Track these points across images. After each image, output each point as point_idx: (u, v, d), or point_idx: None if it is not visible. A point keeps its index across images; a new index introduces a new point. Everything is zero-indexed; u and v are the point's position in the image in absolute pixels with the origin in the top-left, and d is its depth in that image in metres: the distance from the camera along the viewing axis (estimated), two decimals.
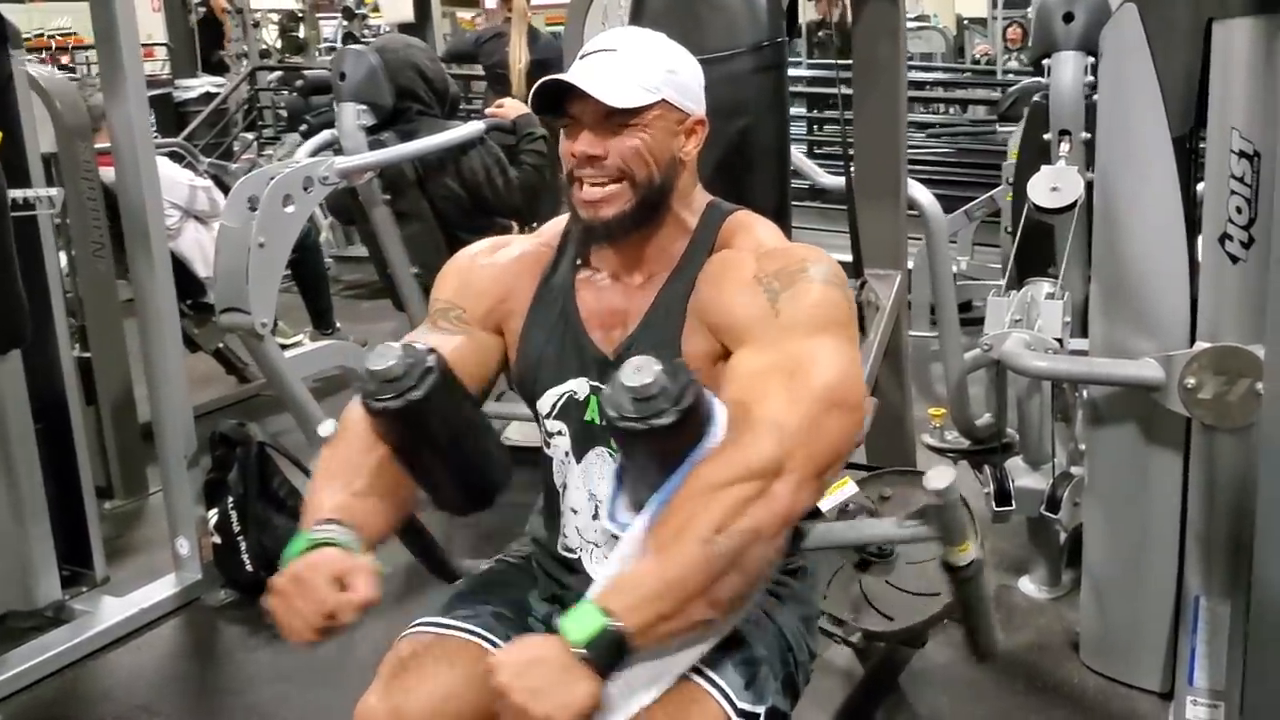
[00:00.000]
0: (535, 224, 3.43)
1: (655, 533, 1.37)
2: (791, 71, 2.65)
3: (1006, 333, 2.69)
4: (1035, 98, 3.62)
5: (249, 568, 3.25)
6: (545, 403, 1.72)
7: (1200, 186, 2.38)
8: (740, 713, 1.53)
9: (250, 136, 8.81)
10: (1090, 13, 3.16)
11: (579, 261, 1.73)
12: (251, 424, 3.41)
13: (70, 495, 3.29)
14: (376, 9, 9.50)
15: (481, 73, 6.65)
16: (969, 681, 2.79)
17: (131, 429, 3.95)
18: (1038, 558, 3.15)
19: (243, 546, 3.25)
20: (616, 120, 1.58)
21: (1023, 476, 3.09)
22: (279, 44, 10.73)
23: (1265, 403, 2.07)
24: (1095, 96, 2.71)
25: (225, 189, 4.39)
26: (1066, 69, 3.20)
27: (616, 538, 1.55)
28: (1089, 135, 3.09)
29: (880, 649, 2.58)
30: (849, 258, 2.89)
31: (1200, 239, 2.34)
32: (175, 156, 5.20)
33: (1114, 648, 2.72)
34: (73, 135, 3.67)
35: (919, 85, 9.44)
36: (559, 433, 1.72)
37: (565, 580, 1.73)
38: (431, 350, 1.53)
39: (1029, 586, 3.15)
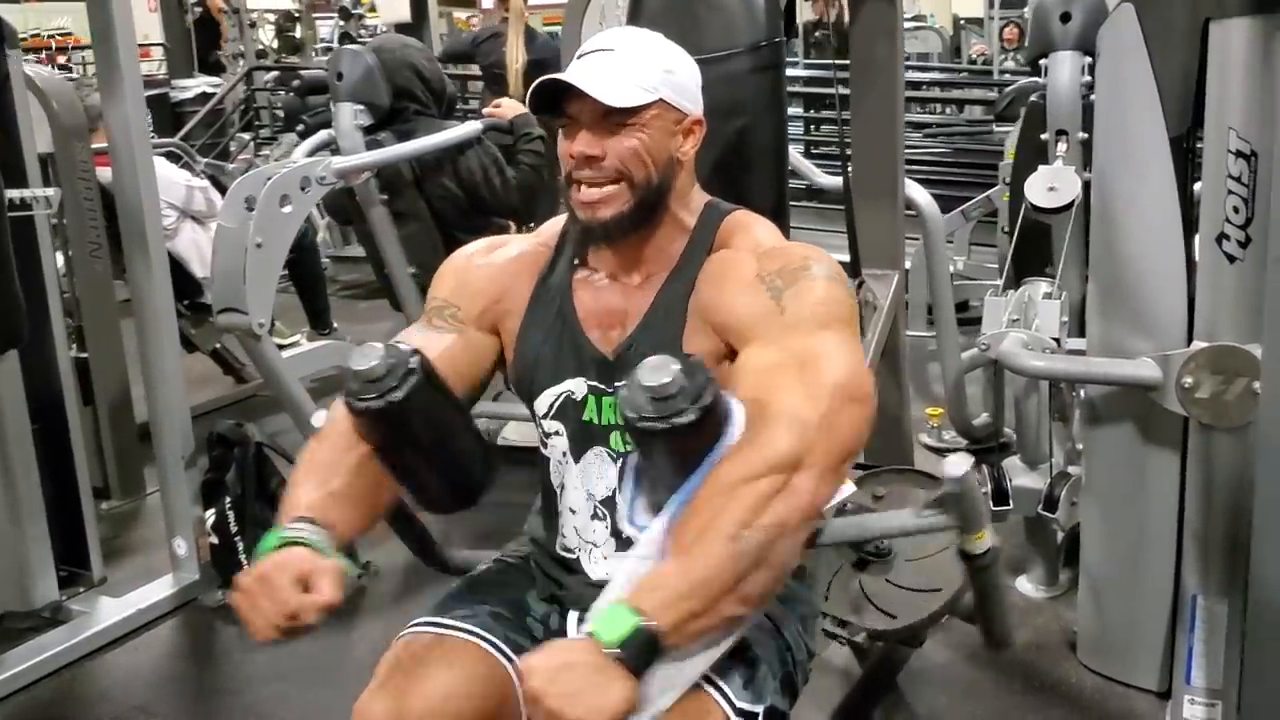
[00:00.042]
0: (532, 224, 3.44)
1: (680, 532, 1.36)
2: (788, 72, 2.66)
3: (1004, 332, 2.69)
4: (1032, 98, 3.63)
5: (246, 568, 3.24)
6: (542, 403, 1.72)
7: (1197, 186, 2.38)
8: (739, 712, 1.53)
9: (247, 137, 8.80)
10: (1087, 13, 3.16)
11: (576, 261, 1.73)
12: (249, 424, 3.40)
13: (67, 496, 3.28)
14: (373, 9, 9.51)
15: (477, 73, 6.65)
16: (966, 681, 2.79)
17: (129, 429, 3.95)
18: (1035, 557, 3.15)
19: (240, 547, 3.24)
20: (614, 120, 1.59)
21: (1020, 476, 3.10)
22: (275, 44, 10.73)
23: (1262, 402, 2.08)
24: (1092, 96, 2.71)
25: (222, 189, 4.39)
26: (1064, 69, 3.20)
27: (630, 540, 1.57)
28: (1086, 135, 3.09)
29: (878, 648, 2.58)
30: (846, 258, 2.89)
31: (1197, 239, 2.34)
32: (172, 157, 5.20)
33: (1111, 647, 2.72)
34: (70, 135, 3.67)
35: (915, 85, 9.45)
36: (556, 433, 1.72)
37: (563, 580, 1.73)
38: (415, 351, 1.53)
39: (1026, 586, 3.16)
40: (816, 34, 10.25)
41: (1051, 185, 3.00)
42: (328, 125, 4.04)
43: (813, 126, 9.44)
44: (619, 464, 1.67)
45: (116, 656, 3.08)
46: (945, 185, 6.53)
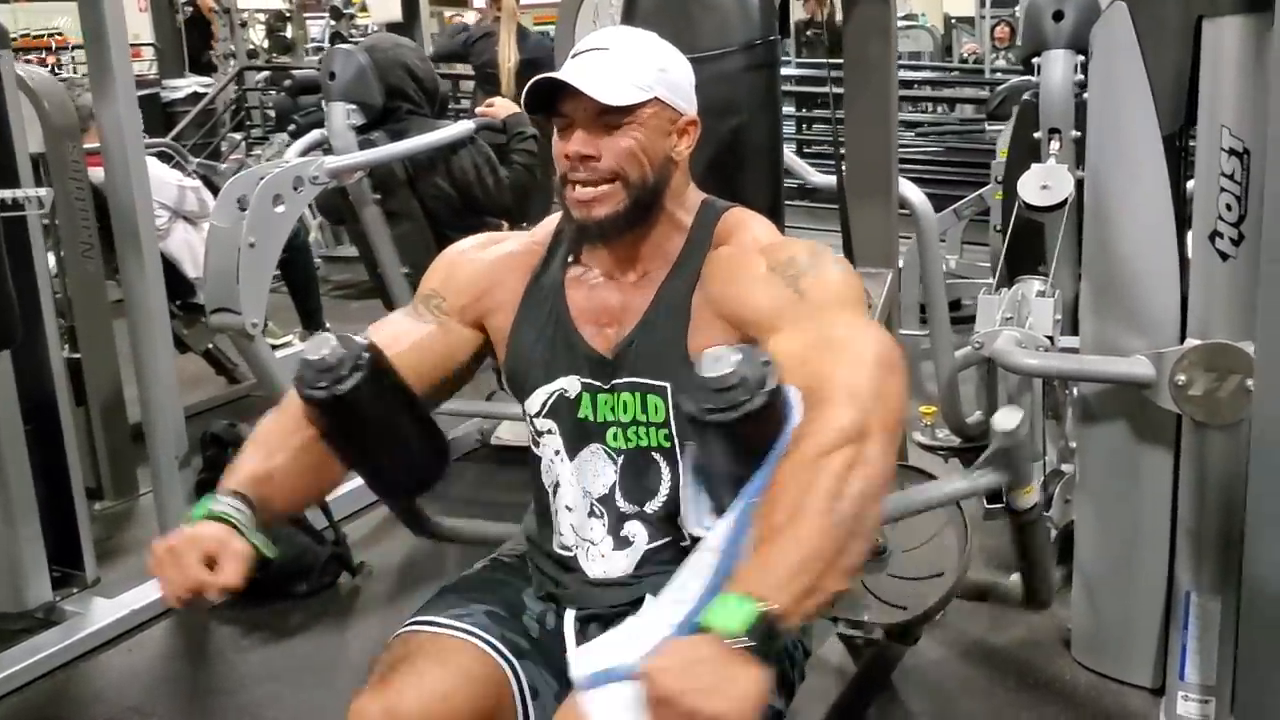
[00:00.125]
0: (526, 224, 3.44)
1: (768, 517, 1.34)
2: (781, 70, 2.65)
3: (997, 330, 2.69)
4: (1025, 96, 3.63)
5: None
6: (535, 401, 1.73)
7: (1190, 184, 2.38)
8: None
9: (238, 137, 8.79)
10: (1080, 11, 3.16)
11: (570, 259, 1.74)
12: (242, 424, 3.40)
13: (60, 496, 3.27)
14: (364, 8, 9.49)
15: (469, 72, 6.64)
16: (961, 678, 2.79)
17: (122, 430, 3.94)
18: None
19: None
20: (609, 119, 1.59)
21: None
22: (266, 44, 10.72)
23: (1255, 399, 2.09)
24: (1085, 95, 2.72)
25: (214, 189, 4.39)
26: (1056, 67, 3.21)
27: (628, 539, 1.60)
28: (1079, 133, 3.10)
29: (872, 647, 2.58)
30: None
31: (1190, 236, 2.35)
32: (164, 157, 5.19)
33: (1105, 644, 2.73)
34: (61, 135, 3.65)
35: (907, 84, 9.46)
36: (549, 431, 1.72)
37: (560, 579, 1.73)
38: (368, 346, 1.59)
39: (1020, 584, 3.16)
40: (808, 33, 10.26)
41: (1044, 183, 3.00)
42: (319, 125, 4.04)
43: (805, 125, 9.45)
44: (618, 461, 1.67)
45: (110, 657, 3.07)
46: (937, 184, 6.55)
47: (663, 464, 1.67)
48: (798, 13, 10.35)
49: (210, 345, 4.94)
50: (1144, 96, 2.36)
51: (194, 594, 1.48)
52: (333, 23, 9.44)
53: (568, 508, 1.71)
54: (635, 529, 1.68)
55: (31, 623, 3.14)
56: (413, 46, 4.13)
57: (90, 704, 2.89)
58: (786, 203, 2.40)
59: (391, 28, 7.12)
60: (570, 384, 1.70)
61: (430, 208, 3.81)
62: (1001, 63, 10.36)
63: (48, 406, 3.25)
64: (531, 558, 1.80)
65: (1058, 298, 2.87)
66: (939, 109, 10.36)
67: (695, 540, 1.66)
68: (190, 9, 10.26)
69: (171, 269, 4.26)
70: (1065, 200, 2.97)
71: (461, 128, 3.77)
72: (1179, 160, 2.41)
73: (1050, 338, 2.73)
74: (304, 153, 3.99)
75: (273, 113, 8.22)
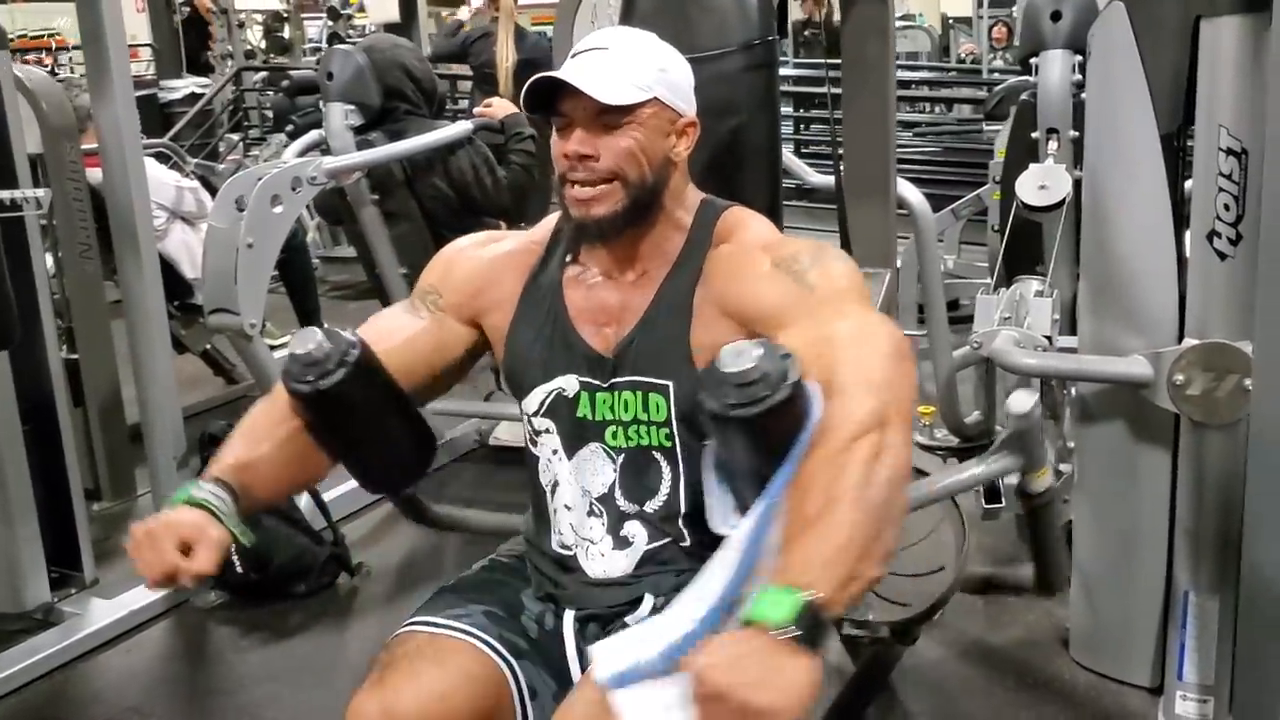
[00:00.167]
0: (523, 224, 3.43)
1: (799, 509, 1.34)
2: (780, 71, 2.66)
3: (995, 330, 2.69)
4: (1023, 96, 3.63)
5: (239, 569, 3.24)
6: (532, 400, 1.73)
7: (1188, 184, 2.38)
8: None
9: (236, 137, 8.79)
10: (1078, 11, 3.17)
11: (569, 259, 1.74)
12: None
13: (58, 497, 3.27)
14: (362, 9, 9.48)
15: (467, 73, 6.64)
16: (959, 678, 2.79)
17: (120, 430, 3.94)
18: (1027, 555, 3.15)
19: (232, 548, 3.22)
20: (609, 119, 1.59)
21: (1012, 474, 3.10)
22: (264, 44, 10.71)
23: (1253, 399, 2.09)
24: (1083, 95, 2.72)
25: (212, 190, 4.38)
26: (1054, 67, 3.21)
27: (627, 538, 1.61)
28: (1077, 133, 3.10)
29: (869, 647, 2.58)
30: None
31: (1188, 236, 2.35)
32: (161, 157, 5.19)
33: (1104, 643, 2.73)
34: (59, 136, 3.65)
35: (905, 84, 9.46)
36: (546, 430, 1.72)
37: (559, 579, 1.73)
38: (355, 342, 1.60)
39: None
40: (806, 33, 10.26)
41: (1042, 183, 3.00)
42: (317, 125, 4.03)
43: (802, 126, 9.45)
44: (617, 460, 1.67)
45: (109, 658, 3.07)
46: (935, 184, 6.54)
47: (663, 463, 1.67)
48: (795, 13, 10.34)
49: (208, 346, 4.93)
50: (1142, 96, 2.37)
51: (168, 578, 1.51)
52: (330, 23, 9.43)
53: (566, 507, 1.71)
54: (635, 529, 1.68)
55: (30, 623, 3.13)
56: (410, 47, 4.13)
57: (89, 704, 2.89)
58: (785, 203, 2.40)
59: (389, 28, 7.11)
60: (568, 383, 1.70)
61: (428, 208, 3.81)
62: (999, 63, 10.35)
63: (46, 407, 3.24)
64: (530, 558, 1.80)
65: (1056, 297, 2.86)
66: (936, 109, 10.36)
67: (695, 540, 1.67)
68: (188, 10, 10.25)
69: (169, 270, 4.26)
70: (1063, 200, 2.97)
71: (459, 128, 3.77)
72: (1177, 160, 2.41)
73: (1048, 337, 2.73)
74: (302, 153, 3.98)
75: (270, 113, 8.21)
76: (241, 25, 10.30)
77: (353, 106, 3.73)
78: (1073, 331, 2.80)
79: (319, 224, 6.71)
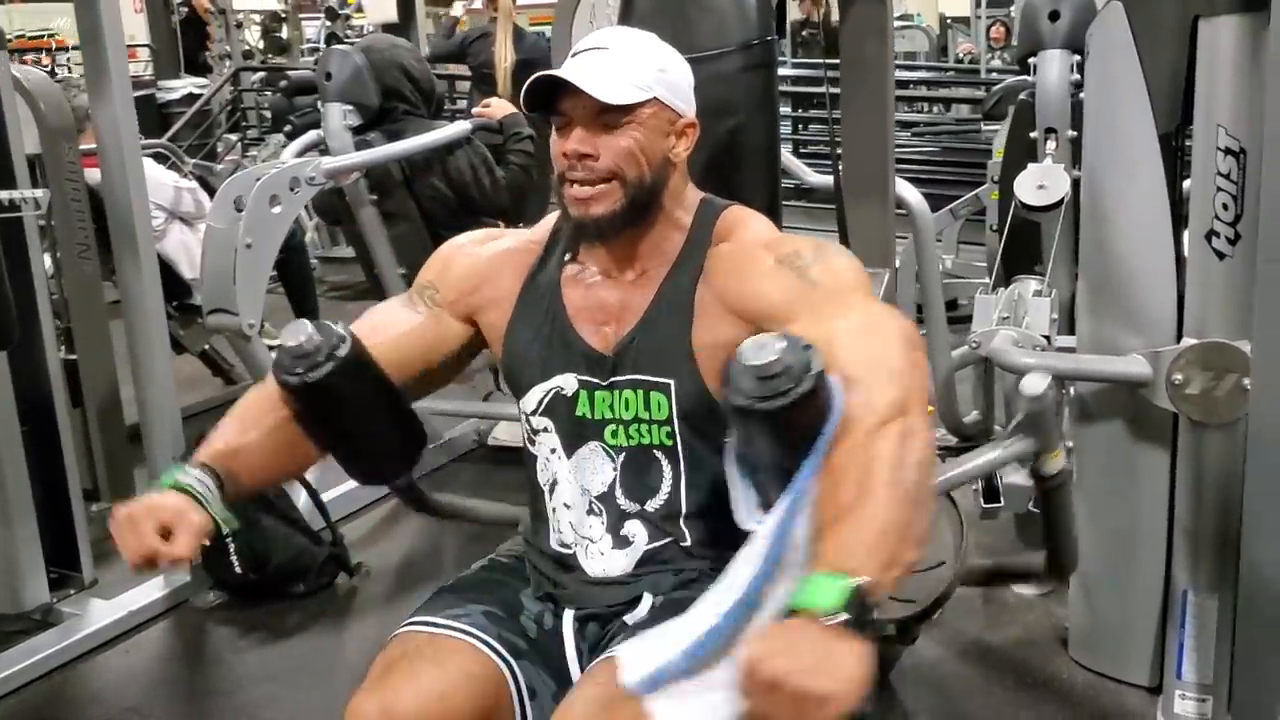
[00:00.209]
0: (522, 224, 3.43)
1: (836, 496, 1.34)
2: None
3: (994, 330, 2.69)
4: (1021, 96, 3.63)
5: (237, 569, 3.24)
6: (531, 399, 1.73)
7: (1187, 183, 2.39)
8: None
9: (234, 137, 8.78)
10: (1076, 11, 3.17)
11: (568, 258, 1.74)
12: None
13: (57, 498, 3.27)
14: (359, 9, 9.48)
15: (465, 73, 6.64)
16: (958, 678, 2.80)
17: (118, 431, 3.93)
18: (1025, 554, 3.15)
19: (231, 548, 3.23)
20: (608, 118, 1.59)
21: (1010, 473, 3.08)
22: (261, 45, 10.70)
23: (1252, 398, 2.09)
24: (1081, 94, 2.72)
25: (210, 190, 4.38)
26: (1053, 67, 3.21)
27: (627, 537, 1.62)
28: (1075, 133, 3.10)
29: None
30: None
31: (1187, 235, 2.35)
32: (159, 158, 5.18)
33: (1102, 643, 2.73)
34: (57, 136, 3.64)
35: (903, 84, 9.46)
36: (544, 429, 1.73)
37: (558, 579, 1.73)
38: (345, 336, 1.61)
39: (1025, 590, 3.15)
40: (804, 33, 10.26)
41: (1041, 183, 3.01)
42: (315, 126, 4.03)
43: (800, 126, 9.45)
44: (616, 459, 1.67)
45: (108, 659, 3.07)
46: (933, 184, 6.54)
47: (664, 462, 1.67)
48: (793, 13, 10.34)
49: (207, 346, 4.93)
50: (1140, 96, 2.37)
51: (148, 561, 1.54)
52: (328, 23, 9.44)
53: (566, 505, 1.71)
54: (635, 528, 1.68)
55: (29, 624, 3.13)
56: (409, 47, 4.13)
57: (87, 705, 2.89)
58: (784, 203, 2.40)
59: (387, 28, 7.11)
60: (566, 382, 1.70)
61: (427, 208, 3.81)
62: (997, 63, 10.36)
63: (44, 408, 3.24)
64: (529, 558, 1.80)
65: (1054, 297, 2.86)
66: (934, 109, 10.36)
67: (696, 540, 1.67)
68: (185, 10, 10.24)
69: (168, 270, 4.25)
70: (1062, 200, 2.98)
71: (458, 128, 3.77)
72: (1175, 160, 2.41)
73: (1047, 337, 2.73)
74: (300, 154, 3.98)
75: (268, 113, 8.21)
76: (239, 25, 10.30)
77: (351, 107, 3.73)
78: (1071, 331, 2.80)
79: (317, 224, 6.71)
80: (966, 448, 3.95)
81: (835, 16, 3.08)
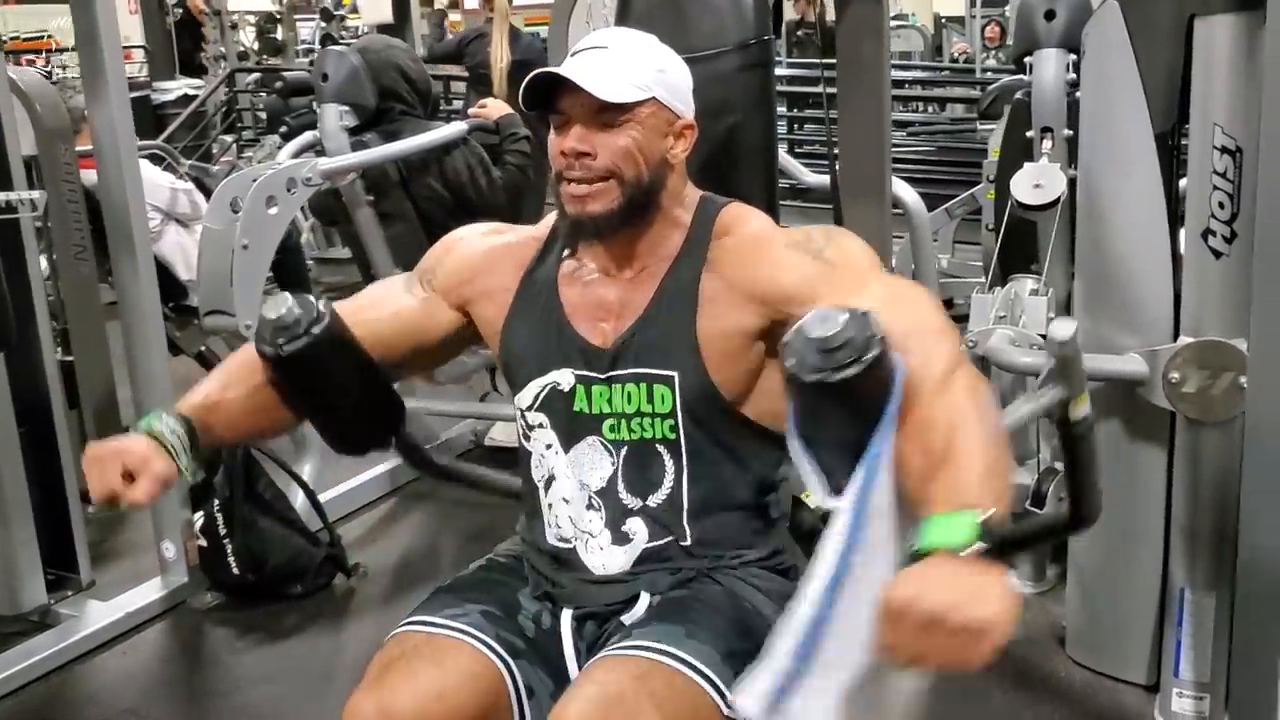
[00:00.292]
0: (519, 224, 3.43)
1: (928, 446, 1.36)
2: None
3: (991, 329, 2.70)
4: (1017, 95, 3.63)
5: (235, 570, 3.24)
6: (527, 395, 1.73)
7: (1183, 182, 2.39)
8: (732, 705, 1.54)
9: (229, 139, 8.78)
10: (1072, 10, 3.17)
11: (566, 254, 1.74)
12: None
13: (54, 499, 3.27)
14: (354, 10, 9.49)
15: (460, 74, 6.64)
16: (955, 677, 2.79)
17: (115, 432, 3.84)
18: (1023, 553, 3.16)
19: (229, 549, 3.24)
20: (607, 117, 1.59)
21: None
22: (256, 46, 10.70)
23: (1249, 397, 2.10)
24: (1077, 94, 2.72)
25: (206, 191, 4.37)
26: (1049, 66, 3.21)
27: (627, 534, 1.63)
28: (1071, 132, 3.10)
29: None
30: None
31: (1183, 234, 2.35)
32: (155, 159, 5.18)
33: (1100, 641, 2.73)
34: (53, 138, 3.64)
35: (898, 84, 9.47)
36: (540, 425, 1.72)
37: (556, 578, 1.72)
38: (323, 312, 1.67)
39: (1014, 581, 3.15)
40: (799, 33, 10.27)
41: (1037, 182, 3.01)
42: (311, 127, 4.03)
43: (796, 125, 9.46)
44: (615, 454, 1.67)
45: (105, 660, 3.06)
46: (929, 183, 6.55)
47: (666, 456, 1.67)
48: (788, 13, 10.35)
49: (203, 347, 4.91)
50: (1136, 95, 2.37)
51: (109, 500, 1.61)
52: (323, 24, 9.45)
53: (565, 500, 1.71)
54: (636, 525, 1.67)
55: (26, 625, 3.14)
56: (405, 48, 4.13)
57: (85, 706, 2.89)
58: (780, 203, 2.41)
59: (382, 29, 7.13)
60: (563, 377, 1.70)
61: (423, 209, 3.81)
62: (992, 62, 10.39)
63: (41, 409, 3.24)
64: (527, 557, 1.80)
65: (1051, 296, 2.88)
66: (930, 109, 10.37)
67: (696, 539, 1.67)
68: (180, 11, 10.24)
69: (164, 271, 4.25)
70: (1058, 199, 2.98)
71: (454, 129, 3.77)
72: (1171, 158, 2.41)
73: (1043, 336, 2.74)
74: (297, 155, 3.98)
75: (264, 115, 8.21)
76: (234, 27, 10.31)
77: (347, 107, 3.73)
78: None
79: (313, 225, 6.70)
80: None
81: (831, 16, 3.08)
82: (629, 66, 1.61)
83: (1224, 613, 2.38)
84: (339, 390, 1.75)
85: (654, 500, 1.67)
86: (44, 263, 3.66)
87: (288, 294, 1.68)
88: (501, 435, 4.22)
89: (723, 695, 1.53)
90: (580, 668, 1.65)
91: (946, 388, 1.39)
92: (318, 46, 8.90)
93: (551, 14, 3.15)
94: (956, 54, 11.90)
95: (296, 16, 11.06)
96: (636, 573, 1.68)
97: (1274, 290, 1.97)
